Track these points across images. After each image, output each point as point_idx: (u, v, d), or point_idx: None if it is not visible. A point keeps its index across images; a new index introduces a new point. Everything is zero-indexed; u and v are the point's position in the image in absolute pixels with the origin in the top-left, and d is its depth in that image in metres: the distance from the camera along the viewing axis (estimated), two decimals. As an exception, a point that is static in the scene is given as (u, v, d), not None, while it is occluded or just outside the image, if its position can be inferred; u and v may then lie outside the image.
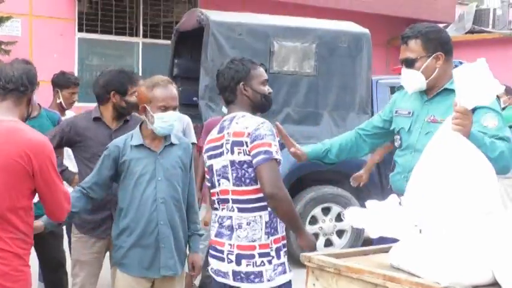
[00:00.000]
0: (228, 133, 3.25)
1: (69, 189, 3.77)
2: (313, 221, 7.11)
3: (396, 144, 3.68)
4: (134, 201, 3.62)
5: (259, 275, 3.17)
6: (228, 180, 3.25)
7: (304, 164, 7.11)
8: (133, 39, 12.99)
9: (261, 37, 7.00)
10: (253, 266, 3.17)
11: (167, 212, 3.63)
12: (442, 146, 2.71)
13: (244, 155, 3.17)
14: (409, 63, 3.45)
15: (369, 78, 7.32)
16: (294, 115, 7.11)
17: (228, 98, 3.40)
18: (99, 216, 4.08)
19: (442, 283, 2.34)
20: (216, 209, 3.36)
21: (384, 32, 14.42)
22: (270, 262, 3.19)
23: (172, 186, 3.66)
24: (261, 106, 3.46)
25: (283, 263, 3.25)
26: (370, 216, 2.65)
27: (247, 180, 3.20)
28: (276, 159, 3.11)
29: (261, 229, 3.19)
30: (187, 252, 3.84)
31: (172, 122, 3.60)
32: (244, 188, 3.21)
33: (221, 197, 3.30)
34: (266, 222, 3.21)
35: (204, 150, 3.45)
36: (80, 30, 12.23)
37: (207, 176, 3.47)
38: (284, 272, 3.23)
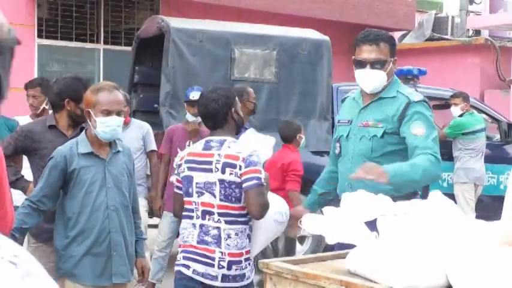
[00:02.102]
0: (219, 154, 3.59)
1: (23, 198, 3.74)
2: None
3: (337, 151, 3.78)
4: (85, 210, 3.59)
5: (243, 276, 3.65)
6: (214, 196, 3.58)
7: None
8: (94, 45, 12.87)
9: (221, 44, 7.01)
10: (240, 270, 3.62)
11: (118, 219, 3.63)
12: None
13: (235, 176, 3.54)
14: (378, 64, 3.56)
15: (330, 84, 7.39)
16: (255, 122, 7.11)
17: (218, 123, 3.70)
18: None
19: (397, 287, 2.37)
20: (190, 217, 3.64)
21: (345, 39, 14.49)
22: (249, 264, 3.68)
23: (121, 193, 3.67)
24: (240, 128, 3.86)
25: (253, 266, 3.77)
26: (327, 222, 2.67)
27: (233, 199, 3.57)
28: (263, 185, 3.55)
29: (246, 238, 3.63)
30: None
31: (115, 127, 3.58)
32: (230, 204, 3.58)
33: (203, 208, 3.61)
34: (248, 234, 3.66)
35: (182, 160, 3.74)
36: (40, 36, 12.08)
37: (178, 184, 3.75)
38: (253, 270, 3.75)
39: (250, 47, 7.11)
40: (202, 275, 3.58)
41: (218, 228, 3.58)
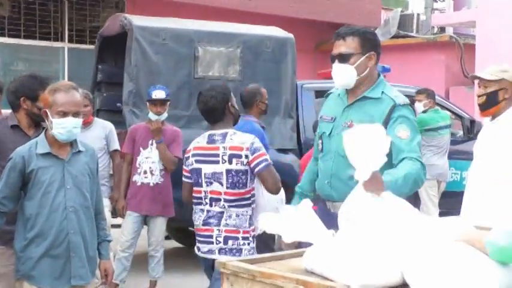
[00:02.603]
0: (224, 147, 4.13)
1: None
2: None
3: (319, 148, 3.73)
4: (43, 211, 3.53)
5: (240, 250, 4.10)
6: (221, 184, 4.13)
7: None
8: (59, 44, 12.74)
9: (185, 42, 6.96)
10: (237, 245, 4.10)
11: (77, 220, 3.57)
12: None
13: (242, 165, 4.09)
14: (344, 58, 3.53)
15: (294, 82, 7.38)
16: (219, 120, 7.09)
17: (218, 117, 4.23)
18: None
19: (353, 285, 2.36)
20: (200, 203, 4.23)
21: (311, 37, 14.58)
22: (248, 244, 4.13)
23: (81, 194, 3.60)
24: (237, 119, 4.41)
25: (254, 247, 4.18)
26: (283, 221, 2.66)
27: (240, 185, 4.12)
28: (271, 164, 4.12)
29: (246, 220, 4.14)
30: (98, 259, 3.80)
31: (71, 129, 3.51)
32: (237, 190, 4.12)
33: (211, 195, 4.18)
34: (250, 216, 4.17)
35: (189, 153, 4.28)
36: (2, 35, 11.92)
37: (186, 174, 4.32)
38: (254, 252, 4.13)
39: (214, 45, 7.06)
40: (205, 253, 4.18)
41: (222, 212, 4.15)
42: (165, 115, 5.96)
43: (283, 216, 2.68)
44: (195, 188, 4.26)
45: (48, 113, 3.51)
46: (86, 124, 6.17)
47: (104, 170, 6.09)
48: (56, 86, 3.58)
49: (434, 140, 7.80)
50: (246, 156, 4.09)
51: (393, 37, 15.21)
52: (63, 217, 3.54)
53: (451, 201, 7.66)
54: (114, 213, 6.34)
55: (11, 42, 12.05)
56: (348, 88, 3.61)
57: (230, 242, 4.10)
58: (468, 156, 8.01)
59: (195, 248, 4.31)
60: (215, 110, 4.23)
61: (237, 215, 4.14)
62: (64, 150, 3.59)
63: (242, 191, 4.13)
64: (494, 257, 2.27)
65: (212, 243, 4.14)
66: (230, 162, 4.10)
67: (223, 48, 7.09)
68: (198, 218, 4.25)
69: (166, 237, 7.93)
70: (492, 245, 2.26)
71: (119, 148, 6.20)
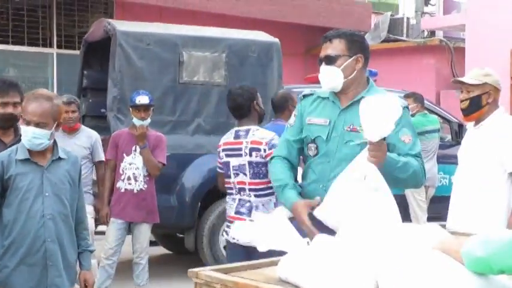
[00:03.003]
0: (246, 141, 4.65)
1: None
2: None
3: (311, 152, 3.60)
4: (20, 218, 3.47)
5: None
6: (246, 175, 4.62)
7: (216, 175, 7.14)
8: (47, 50, 12.68)
9: (169, 47, 6.91)
10: None
11: (55, 228, 3.51)
12: (354, 177, 2.96)
13: (260, 158, 4.56)
14: (330, 60, 3.47)
15: (280, 87, 7.32)
16: (205, 125, 7.05)
17: (244, 114, 4.77)
18: None
19: (326, 296, 2.30)
20: (231, 193, 4.72)
21: (302, 41, 14.56)
22: None
23: (60, 201, 3.54)
24: (262, 118, 4.91)
25: None
26: (257, 230, 2.60)
27: (261, 175, 4.57)
28: None
29: (272, 208, 4.49)
30: (78, 269, 3.74)
31: (31, 138, 3.46)
32: (259, 180, 4.58)
33: (238, 186, 4.67)
34: (274, 203, 4.55)
35: (220, 148, 4.82)
36: (-10, 41, 11.87)
37: (220, 165, 4.85)
38: None
39: (198, 50, 7.01)
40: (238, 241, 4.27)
41: (250, 201, 4.59)
42: (148, 120, 5.90)
43: (257, 224, 2.61)
44: (226, 180, 4.77)
45: (21, 121, 3.52)
46: (72, 131, 6.14)
47: (86, 178, 6.04)
48: (29, 94, 3.56)
49: (421, 144, 7.73)
50: (264, 150, 4.56)
51: (383, 41, 15.19)
52: (40, 224, 3.48)
53: (440, 206, 7.60)
54: (98, 221, 6.28)
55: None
56: (336, 91, 3.53)
57: None
58: (457, 161, 8.00)
59: (225, 235, 4.77)
60: (242, 107, 4.76)
61: (263, 205, 4.59)
62: (44, 157, 3.54)
63: (264, 180, 4.57)
64: (470, 268, 2.21)
65: None
66: (250, 155, 4.61)
67: (208, 53, 7.03)
68: (229, 207, 4.74)
69: (154, 243, 7.88)
70: (468, 255, 2.20)
71: (103, 159, 6.16)
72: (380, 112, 2.88)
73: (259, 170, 4.60)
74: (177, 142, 6.85)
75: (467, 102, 4.23)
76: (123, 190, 5.92)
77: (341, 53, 3.47)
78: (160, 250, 8.45)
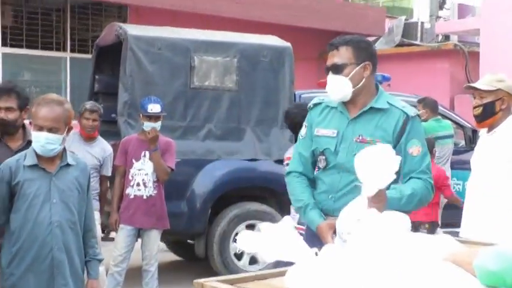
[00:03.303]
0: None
1: None
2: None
3: (320, 165, 3.51)
4: (27, 225, 3.44)
5: None
6: None
7: (228, 181, 7.10)
8: (61, 54, 12.70)
9: (181, 51, 6.86)
10: None
11: (62, 236, 3.47)
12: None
13: None
14: (338, 69, 3.36)
15: (292, 92, 7.26)
16: (216, 131, 7.00)
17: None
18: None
19: (333, 309, 2.24)
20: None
21: (315, 45, 14.48)
22: None
23: (68, 209, 3.50)
24: None
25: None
26: (263, 240, 2.54)
27: None
28: None
29: None
30: (86, 278, 3.69)
31: (44, 144, 3.42)
32: None
33: None
34: None
35: (286, 162, 5.10)
36: (4, 44, 11.88)
37: None
38: None
39: (210, 55, 6.95)
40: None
41: None
42: (159, 124, 5.87)
43: (263, 235, 2.55)
44: None
45: (30, 127, 3.48)
46: (90, 138, 6.10)
47: (94, 185, 6.01)
48: (39, 99, 3.51)
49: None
50: None
51: (397, 45, 15.12)
52: (48, 232, 3.44)
53: (453, 213, 7.51)
54: (107, 227, 6.25)
55: (13, 52, 12.01)
56: (345, 101, 3.42)
57: None
58: (470, 167, 7.90)
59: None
60: (300, 125, 4.61)
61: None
62: (52, 163, 3.50)
63: None
64: (483, 281, 2.14)
65: None
66: None
67: (220, 57, 6.98)
68: (293, 217, 4.67)
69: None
70: (481, 268, 2.13)
71: (109, 175, 6.13)
72: (377, 164, 2.77)
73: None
74: (188, 147, 6.81)
75: (481, 108, 4.15)
76: (132, 196, 5.88)
77: (348, 61, 3.36)
78: (170, 257, 8.40)
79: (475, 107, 4.18)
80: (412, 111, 3.40)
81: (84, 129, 6.06)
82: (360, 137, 3.37)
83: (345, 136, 3.42)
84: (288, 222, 2.58)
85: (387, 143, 3.25)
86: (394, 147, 3.28)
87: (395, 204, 3.06)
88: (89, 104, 6.18)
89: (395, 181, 3.16)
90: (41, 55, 12.48)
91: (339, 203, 3.38)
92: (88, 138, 6.10)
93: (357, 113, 3.42)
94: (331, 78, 3.39)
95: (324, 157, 3.48)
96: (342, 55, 3.38)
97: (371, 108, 3.40)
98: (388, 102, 3.41)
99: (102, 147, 6.18)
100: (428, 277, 2.24)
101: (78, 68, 12.52)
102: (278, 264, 2.91)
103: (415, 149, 3.31)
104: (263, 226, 2.60)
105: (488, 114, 4.14)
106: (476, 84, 4.19)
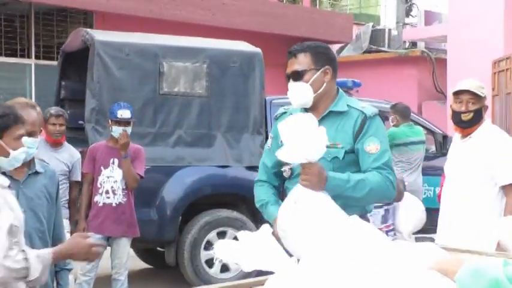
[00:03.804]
0: None
1: None
2: (209, 245, 6.87)
3: (285, 174, 3.49)
4: None
5: None
6: None
7: (198, 187, 7.01)
8: (25, 60, 12.49)
9: (149, 57, 6.76)
10: None
11: (31, 245, 3.32)
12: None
13: None
14: (298, 76, 3.33)
15: (263, 98, 7.19)
16: (186, 137, 6.90)
17: None
18: None
19: (316, 319, 2.17)
20: None
21: (283, 51, 14.34)
22: (391, 235, 4.90)
23: (36, 217, 3.37)
24: None
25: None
26: (242, 249, 2.45)
27: None
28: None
29: (379, 219, 5.27)
30: None
31: (26, 148, 3.30)
32: None
33: None
34: (382, 215, 5.27)
35: None
36: (-32, 51, 11.66)
37: None
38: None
39: (179, 60, 6.85)
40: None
41: None
42: (130, 129, 5.77)
43: (242, 244, 2.47)
44: None
45: None
46: (57, 144, 6.01)
47: (63, 193, 5.89)
48: (13, 104, 3.36)
49: (404, 155, 7.65)
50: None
51: (365, 52, 15.19)
52: None
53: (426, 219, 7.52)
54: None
55: (-24, 59, 11.79)
56: (307, 107, 3.39)
57: None
58: (441, 172, 7.92)
59: None
60: None
61: (370, 215, 4.41)
62: (20, 171, 3.36)
63: None
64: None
65: None
66: None
67: (189, 63, 6.88)
68: None
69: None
70: (460, 285, 2.10)
71: (79, 180, 6.01)
72: (301, 132, 2.80)
73: None
74: (158, 154, 6.70)
75: (471, 114, 4.05)
76: (101, 204, 5.76)
77: (307, 67, 3.34)
78: (140, 264, 8.26)
79: (464, 113, 4.05)
80: (370, 111, 3.37)
81: (51, 135, 5.95)
82: None
83: None
84: (267, 231, 2.50)
85: (348, 144, 3.32)
86: (354, 147, 3.32)
87: (340, 186, 3.13)
88: (53, 110, 6.09)
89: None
90: (5, 62, 12.26)
91: None
92: (55, 144, 6.00)
93: (317, 118, 3.36)
94: (292, 85, 3.36)
95: (289, 166, 3.45)
96: (301, 62, 3.36)
97: (330, 112, 3.39)
98: (347, 105, 3.40)
99: (70, 152, 6.10)
100: (414, 286, 2.18)
101: (43, 75, 12.31)
102: (249, 273, 2.85)
103: (373, 146, 3.28)
104: (241, 235, 2.52)
105: (476, 121, 4.08)
106: (474, 89, 4.09)
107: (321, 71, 3.36)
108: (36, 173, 3.43)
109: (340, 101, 3.40)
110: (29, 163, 3.40)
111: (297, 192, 3.02)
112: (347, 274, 2.30)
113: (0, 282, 2.80)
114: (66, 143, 6.17)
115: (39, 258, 2.81)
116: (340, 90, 3.47)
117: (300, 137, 2.86)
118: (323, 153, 2.99)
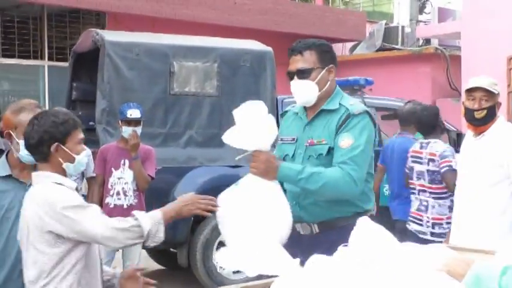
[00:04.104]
0: (426, 152, 5.33)
1: None
2: (221, 246, 6.79)
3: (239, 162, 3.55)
4: (0, 239, 3.26)
5: (445, 234, 5.00)
6: (425, 179, 5.31)
7: (210, 188, 6.95)
8: (38, 62, 12.54)
9: (160, 57, 6.72)
10: (442, 230, 5.15)
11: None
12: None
13: (435, 167, 5.21)
14: (304, 73, 3.34)
15: (274, 97, 7.14)
16: (197, 137, 6.86)
17: (428, 130, 5.56)
18: None
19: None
20: (413, 193, 5.45)
21: (296, 50, 14.42)
22: (449, 228, 4.77)
23: None
24: (443, 131, 6.22)
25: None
26: (244, 254, 2.42)
27: (436, 181, 5.24)
28: (454, 170, 4.87)
29: (447, 208, 5.16)
30: None
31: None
32: (434, 185, 5.25)
33: (419, 188, 5.37)
34: (448, 206, 5.15)
35: (409, 155, 5.53)
36: (-19, 54, 11.72)
37: (407, 171, 5.56)
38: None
39: (190, 60, 6.82)
40: (417, 232, 5.29)
41: (427, 201, 5.28)
42: (140, 130, 5.74)
43: (243, 250, 2.43)
44: (410, 181, 5.49)
45: (13, 134, 3.27)
46: None
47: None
48: (19, 106, 3.33)
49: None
50: (438, 161, 5.21)
51: (378, 50, 15.09)
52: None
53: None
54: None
55: (-10, 61, 11.84)
56: (309, 105, 3.40)
57: (436, 227, 5.18)
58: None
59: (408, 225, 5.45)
60: (427, 124, 5.51)
61: (439, 205, 5.23)
62: (27, 174, 3.34)
63: (438, 186, 5.22)
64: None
65: (422, 225, 5.28)
66: (428, 164, 5.28)
67: (200, 63, 6.84)
68: (412, 205, 5.43)
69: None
70: None
71: (94, 174, 5.99)
72: (251, 121, 2.91)
73: (434, 177, 5.23)
74: (169, 155, 6.67)
75: (484, 111, 3.99)
76: (112, 206, 5.74)
77: (314, 66, 3.36)
78: (153, 265, 8.25)
79: (477, 110, 4.00)
80: (356, 109, 3.34)
81: None
82: (310, 140, 3.37)
83: (300, 141, 3.43)
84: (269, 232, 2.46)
85: (332, 141, 3.31)
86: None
87: (290, 177, 3.17)
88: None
89: (366, 180, 3.33)
90: (19, 64, 12.31)
91: (305, 208, 3.38)
92: None
93: (311, 116, 3.43)
94: (298, 83, 3.36)
95: (243, 155, 3.47)
96: (307, 60, 3.37)
97: (322, 110, 3.39)
98: (339, 103, 3.39)
99: None
100: None
101: (56, 76, 12.35)
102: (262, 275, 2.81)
103: (346, 141, 3.26)
104: (242, 240, 2.49)
105: (490, 118, 4.01)
106: (487, 86, 4.01)
107: (325, 69, 3.38)
108: None
109: (334, 99, 3.40)
110: (35, 165, 3.38)
111: (245, 179, 3.12)
112: (353, 276, 2.26)
113: (120, 246, 3.08)
114: None
115: (147, 216, 2.97)
116: (338, 88, 3.47)
117: (250, 125, 2.95)
118: (272, 141, 3.11)
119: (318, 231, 3.37)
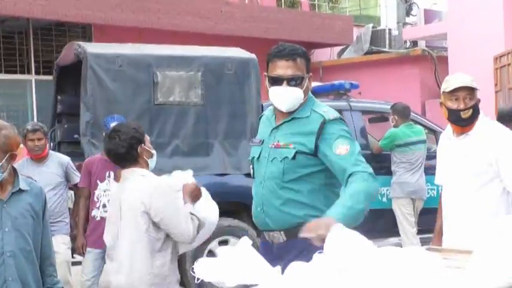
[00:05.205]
0: None
1: None
2: (211, 255, 6.78)
3: (251, 174, 3.55)
4: None
5: None
6: None
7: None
8: (25, 76, 12.49)
9: (143, 68, 6.68)
10: None
11: (17, 266, 3.26)
12: None
13: None
14: (297, 81, 3.29)
15: (259, 104, 7.10)
16: (183, 147, 6.82)
17: None
18: None
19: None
20: None
21: (284, 56, 14.39)
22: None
23: (22, 237, 3.29)
24: None
25: None
26: (222, 265, 2.38)
27: None
28: None
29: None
30: None
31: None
32: None
33: None
34: None
35: None
36: (-35, 69, 11.66)
37: None
38: None
39: (173, 70, 6.77)
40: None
41: None
42: None
43: (222, 260, 2.39)
44: None
45: None
46: (41, 158, 5.92)
47: (61, 206, 5.88)
48: None
49: (405, 155, 7.55)
50: None
51: (366, 53, 15.11)
52: (1, 263, 3.24)
53: (430, 218, 7.38)
54: (74, 251, 6.05)
55: (-25, 76, 11.79)
56: (290, 111, 3.37)
57: None
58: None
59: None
60: None
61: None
62: (3, 190, 3.29)
63: None
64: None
65: None
66: None
67: (184, 72, 6.80)
68: None
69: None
70: None
71: (78, 181, 5.95)
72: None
73: None
74: (155, 165, 6.60)
75: (470, 111, 3.82)
76: (98, 218, 5.69)
77: (304, 74, 3.34)
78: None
79: (463, 110, 3.83)
80: (330, 115, 3.33)
81: (31, 151, 5.86)
82: (276, 143, 3.36)
83: (266, 144, 3.42)
84: (247, 243, 2.42)
85: (302, 147, 3.29)
86: (312, 150, 3.29)
87: (344, 213, 2.99)
88: (30, 125, 6.00)
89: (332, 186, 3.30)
90: (5, 79, 12.26)
91: (269, 215, 3.38)
92: (39, 158, 5.92)
93: (280, 121, 3.40)
94: (287, 90, 3.30)
95: (251, 166, 3.52)
96: (299, 67, 3.33)
97: (293, 118, 3.38)
98: (311, 109, 3.37)
99: (58, 160, 6.02)
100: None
101: (44, 90, 12.29)
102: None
103: (342, 148, 3.24)
104: (220, 250, 2.45)
105: (474, 117, 3.87)
106: (470, 84, 3.82)
107: (308, 77, 3.37)
108: (20, 190, 3.34)
109: (307, 107, 3.38)
110: (12, 181, 3.33)
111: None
112: (332, 282, 2.23)
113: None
114: (51, 153, 6.11)
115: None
116: (310, 94, 3.45)
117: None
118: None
119: (286, 239, 3.34)
